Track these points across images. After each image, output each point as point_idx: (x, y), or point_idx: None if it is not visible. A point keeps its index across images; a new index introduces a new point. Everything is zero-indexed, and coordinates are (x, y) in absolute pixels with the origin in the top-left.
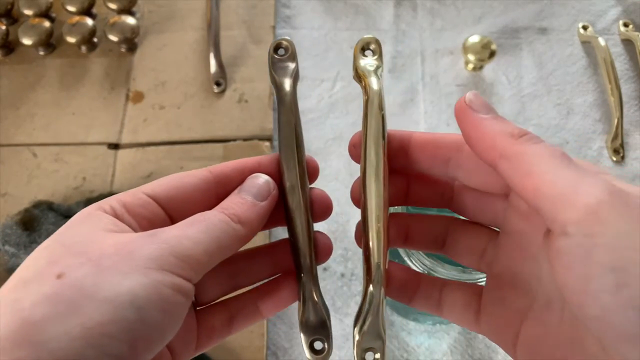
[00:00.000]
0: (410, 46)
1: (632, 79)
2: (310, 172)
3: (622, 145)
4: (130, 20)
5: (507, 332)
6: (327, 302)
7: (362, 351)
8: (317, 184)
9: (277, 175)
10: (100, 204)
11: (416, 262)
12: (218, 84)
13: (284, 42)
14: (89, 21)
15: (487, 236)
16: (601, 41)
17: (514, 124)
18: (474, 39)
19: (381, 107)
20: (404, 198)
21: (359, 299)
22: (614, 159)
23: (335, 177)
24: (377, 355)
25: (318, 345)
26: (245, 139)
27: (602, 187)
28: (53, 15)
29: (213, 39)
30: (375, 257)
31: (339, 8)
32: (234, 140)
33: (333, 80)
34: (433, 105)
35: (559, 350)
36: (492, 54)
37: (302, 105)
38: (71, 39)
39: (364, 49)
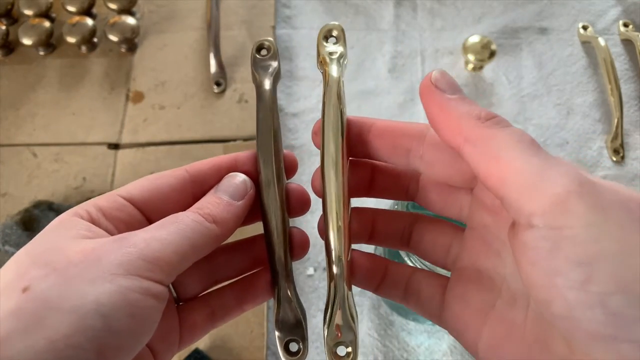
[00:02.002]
0: (410, 46)
1: (632, 79)
2: (287, 167)
3: (622, 145)
4: (130, 20)
5: (469, 330)
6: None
7: (333, 346)
8: None
9: (255, 172)
10: (76, 210)
11: (416, 262)
12: (218, 84)
13: (266, 43)
14: (89, 21)
15: (452, 232)
16: (601, 41)
17: (480, 106)
18: (474, 39)
19: (339, 95)
20: (368, 188)
21: (358, 300)
22: (614, 159)
23: None
24: (349, 349)
25: (293, 347)
26: (245, 139)
27: (571, 177)
28: (53, 15)
29: (213, 39)
30: (335, 249)
31: (339, 8)
32: (234, 140)
33: None
34: None
35: (523, 351)
36: (492, 54)
37: (302, 105)
38: (71, 39)
39: (327, 36)
